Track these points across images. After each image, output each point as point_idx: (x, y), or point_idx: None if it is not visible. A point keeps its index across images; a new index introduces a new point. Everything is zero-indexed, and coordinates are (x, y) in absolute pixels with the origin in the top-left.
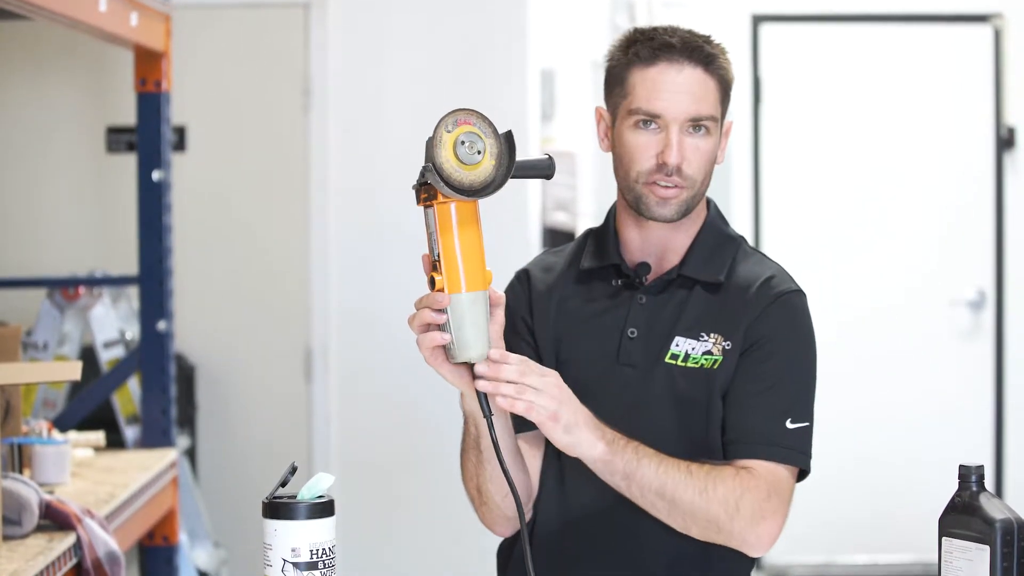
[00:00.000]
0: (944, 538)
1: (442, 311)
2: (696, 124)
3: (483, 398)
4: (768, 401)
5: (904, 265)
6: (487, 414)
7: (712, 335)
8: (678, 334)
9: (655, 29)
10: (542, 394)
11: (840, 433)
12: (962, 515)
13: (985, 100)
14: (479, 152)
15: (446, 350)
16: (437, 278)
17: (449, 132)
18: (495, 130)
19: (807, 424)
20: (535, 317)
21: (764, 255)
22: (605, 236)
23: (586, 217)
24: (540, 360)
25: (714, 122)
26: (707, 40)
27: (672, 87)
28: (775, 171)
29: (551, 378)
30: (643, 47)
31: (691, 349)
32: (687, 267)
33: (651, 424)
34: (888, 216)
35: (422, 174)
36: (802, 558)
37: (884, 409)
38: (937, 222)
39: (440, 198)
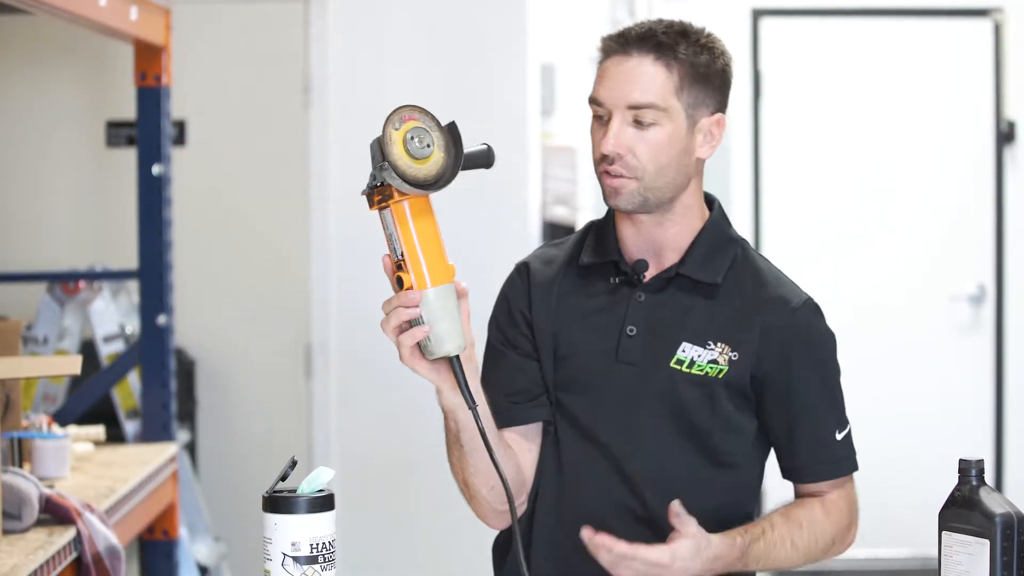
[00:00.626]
0: (944, 532)
1: (414, 308)
2: (638, 113)
3: (465, 389)
4: (818, 422)
5: (904, 260)
6: (471, 405)
7: (719, 344)
8: (685, 340)
9: (638, 23)
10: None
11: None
12: (962, 509)
13: (985, 94)
14: (428, 146)
15: (421, 348)
16: (404, 277)
17: (397, 129)
18: (439, 123)
19: (849, 427)
20: (534, 310)
21: (767, 260)
22: (605, 231)
23: (586, 211)
24: (536, 353)
25: (660, 112)
26: (677, 30)
27: (614, 75)
28: (775, 166)
29: (666, 552)
30: (609, 39)
31: (697, 356)
32: (686, 266)
33: (648, 423)
34: (888, 211)
35: (373, 177)
36: None
37: (884, 404)
38: (937, 217)
39: (396, 197)
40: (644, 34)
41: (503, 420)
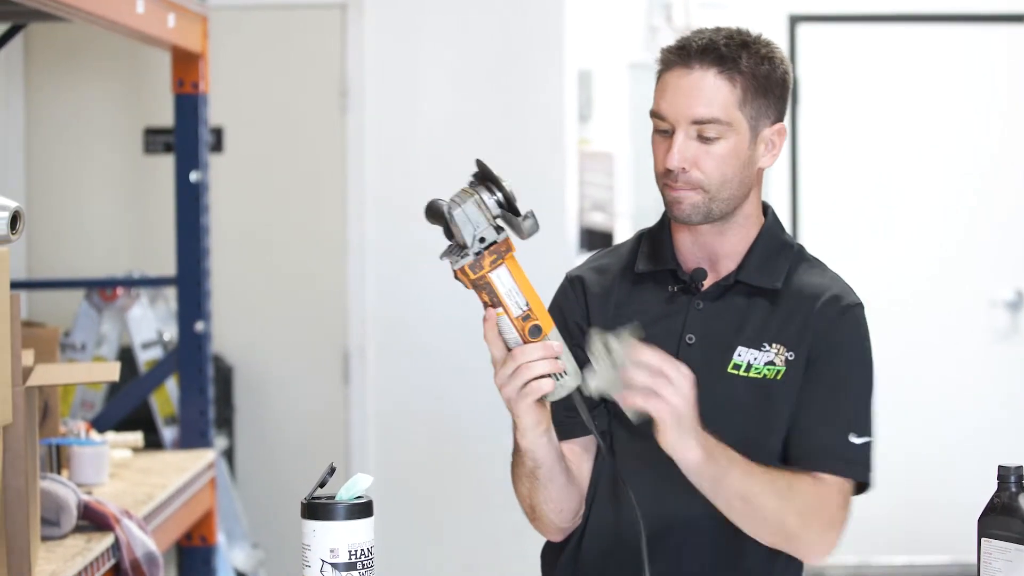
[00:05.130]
0: (983, 539)
1: (557, 356)
2: (702, 128)
3: (589, 419)
4: (834, 415)
5: (942, 265)
6: (595, 431)
7: (775, 345)
8: (740, 344)
9: (697, 31)
10: (677, 391)
11: (878, 434)
12: (1001, 516)
13: None
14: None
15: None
16: (540, 324)
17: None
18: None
19: (870, 440)
20: (592, 321)
21: (824, 264)
22: (660, 239)
23: (623, 218)
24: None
25: (724, 125)
26: (738, 42)
27: (677, 89)
28: (812, 171)
29: (686, 373)
30: (669, 51)
31: (753, 359)
32: (744, 273)
33: (709, 432)
34: (926, 216)
35: (481, 240)
36: (839, 559)
37: (922, 410)
38: (975, 222)
39: (512, 250)
40: (705, 46)
41: (563, 433)
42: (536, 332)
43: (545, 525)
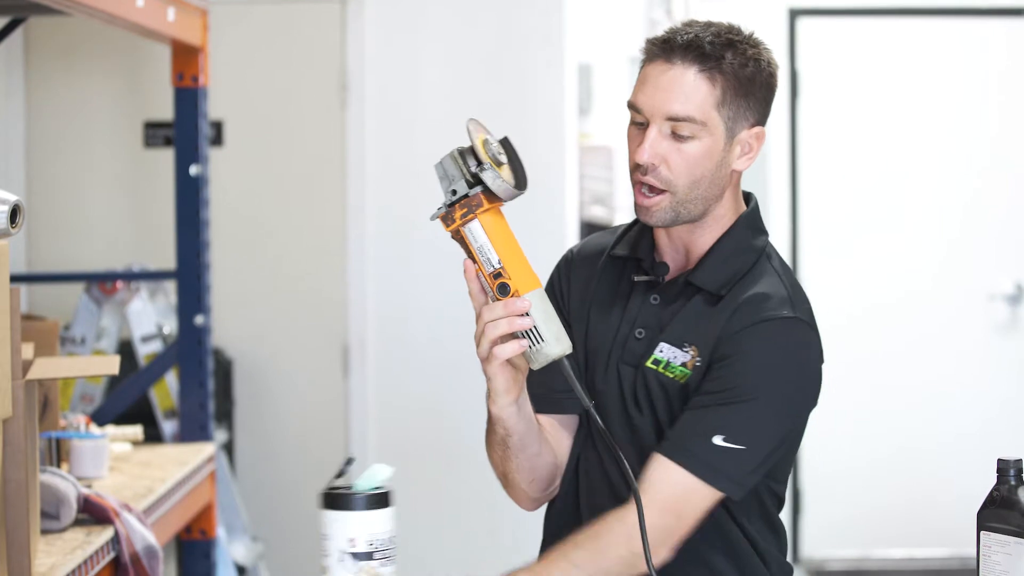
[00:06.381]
0: (982, 532)
1: (525, 316)
2: (676, 126)
3: (580, 388)
4: (705, 414)
5: (942, 259)
6: (587, 405)
7: (692, 347)
8: (664, 340)
9: (687, 24)
10: None
11: (878, 428)
12: (1000, 509)
13: None
14: (500, 153)
15: (524, 356)
16: (510, 283)
17: (478, 139)
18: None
19: (743, 448)
20: (572, 301)
21: (779, 274)
22: (646, 228)
23: (623, 211)
24: (574, 341)
25: (698, 125)
26: (724, 40)
27: (656, 83)
28: (812, 165)
29: None
30: (653, 43)
31: (673, 358)
32: (694, 273)
33: (640, 424)
34: (926, 211)
35: (452, 192)
36: (839, 552)
37: (922, 404)
38: (975, 216)
39: (485, 205)
40: (689, 42)
41: (539, 406)
42: (504, 290)
43: (518, 494)
